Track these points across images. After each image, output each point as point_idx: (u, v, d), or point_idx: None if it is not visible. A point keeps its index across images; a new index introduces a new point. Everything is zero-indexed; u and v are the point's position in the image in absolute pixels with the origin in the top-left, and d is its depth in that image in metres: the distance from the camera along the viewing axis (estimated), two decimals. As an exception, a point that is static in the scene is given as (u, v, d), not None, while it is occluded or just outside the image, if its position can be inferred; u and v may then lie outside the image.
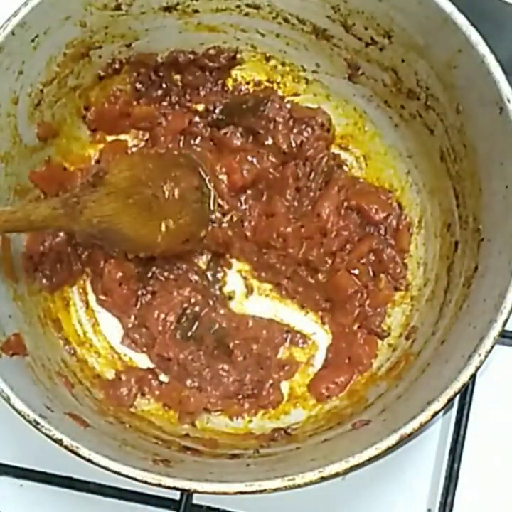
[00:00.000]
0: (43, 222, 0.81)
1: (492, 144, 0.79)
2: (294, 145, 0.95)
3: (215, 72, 0.97)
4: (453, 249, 0.87)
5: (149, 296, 0.94)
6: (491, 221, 0.80)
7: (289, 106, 0.96)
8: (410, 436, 0.69)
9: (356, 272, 0.92)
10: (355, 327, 0.92)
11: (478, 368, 0.71)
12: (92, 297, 0.95)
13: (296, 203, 0.95)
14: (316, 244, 0.93)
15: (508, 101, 0.76)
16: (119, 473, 0.69)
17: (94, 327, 0.94)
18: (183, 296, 0.94)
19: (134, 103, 0.97)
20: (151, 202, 0.89)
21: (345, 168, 0.97)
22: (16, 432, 0.88)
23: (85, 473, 0.88)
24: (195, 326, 0.93)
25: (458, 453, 0.88)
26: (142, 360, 0.93)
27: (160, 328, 0.93)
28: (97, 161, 0.97)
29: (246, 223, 0.96)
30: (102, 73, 0.94)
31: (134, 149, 0.98)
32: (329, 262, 0.93)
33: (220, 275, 0.96)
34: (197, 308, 0.93)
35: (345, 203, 0.94)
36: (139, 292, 0.94)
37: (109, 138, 0.98)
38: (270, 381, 0.91)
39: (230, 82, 0.99)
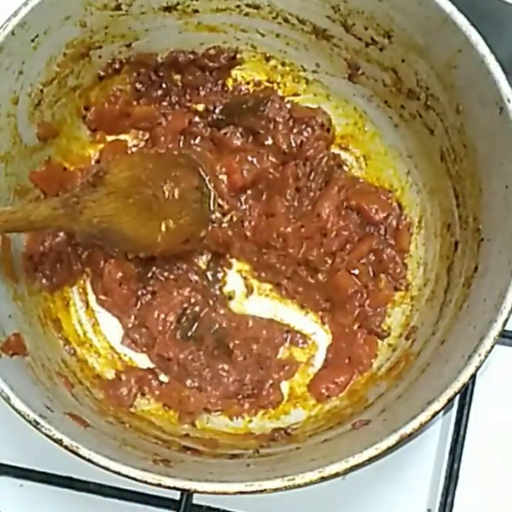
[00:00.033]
0: (43, 222, 0.81)
1: (492, 144, 0.79)
2: (294, 145, 0.95)
3: (215, 72, 0.97)
4: (453, 249, 0.87)
5: (149, 296, 0.94)
6: (491, 221, 0.80)
7: (289, 106, 0.96)
8: (410, 436, 0.69)
9: (356, 271, 0.92)
10: (355, 327, 0.92)
11: (478, 368, 0.71)
12: (92, 297, 0.95)
13: (296, 203, 0.95)
14: (316, 244, 0.93)
15: (508, 101, 0.76)
16: (119, 473, 0.69)
17: (94, 327, 0.94)
18: (183, 296, 0.94)
19: (134, 103, 0.97)
20: (151, 202, 0.89)
21: (345, 168, 0.97)
22: (16, 432, 0.88)
23: (85, 473, 0.88)
24: (195, 326, 0.93)
25: (458, 453, 0.88)
26: (142, 360, 0.93)
27: (160, 328, 0.93)
28: (97, 161, 0.97)
29: (246, 223, 0.96)
30: (102, 73, 0.94)
31: (134, 149, 0.98)
32: (329, 262, 0.93)
33: (220, 275, 0.96)
34: (197, 308, 0.93)
35: (345, 203, 0.94)
36: (139, 292, 0.94)
37: (109, 138, 0.98)
38: (270, 381, 0.91)
39: (230, 82, 0.99)
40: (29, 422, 0.72)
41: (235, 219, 0.96)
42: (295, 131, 0.95)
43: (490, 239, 0.79)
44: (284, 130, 0.95)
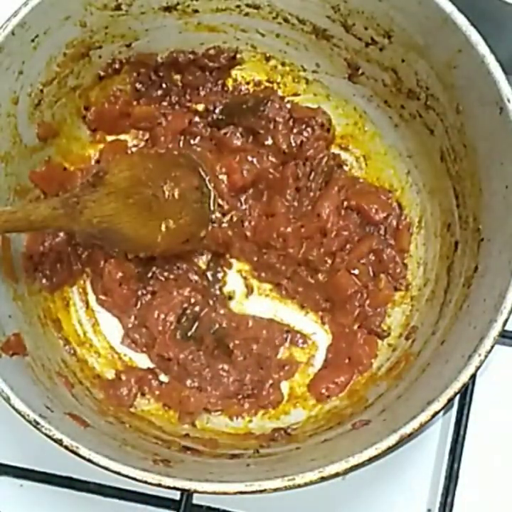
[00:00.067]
0: (43, 222, 0.81)
1: (492, 144, 0.79)
2: (294, 145, 0.95)
3: (215, 72, 0.97)
4: (453, 249, 0.87)
5: (149, 296, 0.94)
6: (491, 221, 0.80)
7: (289, 106, 0.96)
8: (410, 436, 0.69)
9: (356, 271, 0.92)
10: (355, 327, 0.92)
11: (478, 368, 0.71)
12: (92, 297, 0.95)
13: (296, 203, 0.95)
14: (316, 244, 0.93)
15: (508, 101, 0.76)
16: (119, 473, 0.69)
17: (94, 327, 0.94)
18: (183, 296, 0.94)
19: (134, 103, 0.97)
20: (151, 202, 0.89)
21: (345, 168, 0.97)
22: (16, 432, 0.88)
23: (85, 473, 0.88)
24: (195, 326, 0.93)
25: (458, 453, 0.88)
26: (142, 360, 0.93)
27: (160, 328, 0.93)
28: (97, 161, 0.97)
29: (246, 223, 0.96)
30: (102, 73, 0.94)
31: (134, 149, 0.98)
32: (329, 262, 0.93)
33: (220, 275, 0.96)
34: (197, 308, 0.93)
35: (345, 203, 0.94)
36: (139, 292, 0.94)
37: (109, 138, 0.98)
38: (270, 381, 0.91)
39: (230, 82, 0.99)
40: (29, 422, 0.72)
41: (235, 219, 0.96)
42: (295, 131, 0.95)
43: (490, 239, 0.79)
44: (284, 130, 0.95)
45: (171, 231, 0.90)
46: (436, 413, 0.70)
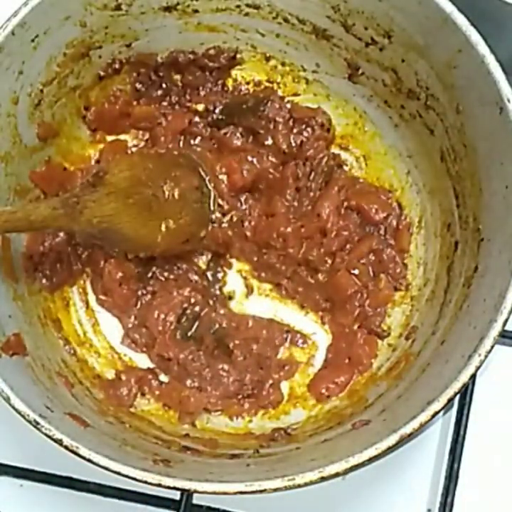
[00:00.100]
0: (43, 222, 0.81)
1: (492, 144, 0.79)
2: (294, 145, 0.95)
3: (215, 72, 0.97)
4: (453, 249, 0.87)
5: (149, 296, 0.94)
6: (491, 221, 0.80)
7: (289, 106, 0.96)
8: (410, 436, 0.69)
9: (356, 271, 0.92)
10: (355, 327, 0.92)
11: (478, 368, 0.71)
12: (92, 297, 0.95)
13: (296, 203, 0.95)
14: (316, 244, 0.93)
15: (508, 101, 0.76)
16: (119, 473, 0.69)
17: (94, 327, 0.94)
18: (183, 296, 0.94)
19: (134, 103, 0.97)
20: (151, 202, 0.89)
21: (345, 168, 0.97)
22: (16, 432, 0.88)
23: (85, 473, 0.88)
24: (195, 326, 0.93)
25: (458, 453, 0.88)
26: (142, 360, 0.93)
27: (160, 328, 0.93)
28: (97, 161, 0.97)
29: (246, 223, 0.96)
30: (102, 73, 0.94)
31: (134, 149, 0.98)
32: (329, 262, 0.93)
33: (220, 275, 0.96)
34: (197, 308, 0.93)
35: (345, 203, 0.94)
36: (139, 292, 0.94)
37: (109, 138, 0.98)
38: (270, 381, 0.91)
39: (230, 82, 0.99)
40: (29, 422, 0.72)
41: (235, 219, 0.96)
42: (295, 131, 0.95)
43: (490, 239, 0.79)
44: (284, 130, 0.95)
45: (171, 231, 0.90)
46: (436, 413, 0.70)
